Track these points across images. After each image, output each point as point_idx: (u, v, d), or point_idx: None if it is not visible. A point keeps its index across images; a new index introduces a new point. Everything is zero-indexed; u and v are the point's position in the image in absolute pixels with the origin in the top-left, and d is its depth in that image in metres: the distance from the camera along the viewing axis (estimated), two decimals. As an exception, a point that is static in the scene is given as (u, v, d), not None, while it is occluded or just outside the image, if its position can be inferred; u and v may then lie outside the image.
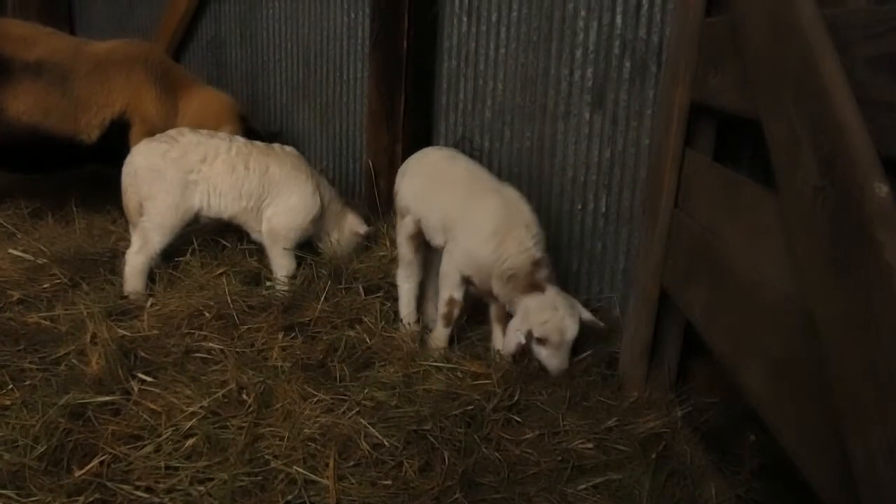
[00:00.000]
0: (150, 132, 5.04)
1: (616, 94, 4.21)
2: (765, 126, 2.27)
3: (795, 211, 2.03)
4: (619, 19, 4.14)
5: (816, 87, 1.92)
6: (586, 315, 3.59)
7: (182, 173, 4.37)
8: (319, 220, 4.71)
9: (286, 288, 4.36)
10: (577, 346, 3.63)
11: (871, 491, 1.57)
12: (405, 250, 4.10)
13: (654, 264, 3.38)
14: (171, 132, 4.60)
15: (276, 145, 4.73)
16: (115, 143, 5.37)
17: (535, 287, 3.54)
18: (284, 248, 4.49)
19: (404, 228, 4.07)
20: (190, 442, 2.96)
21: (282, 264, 4.51)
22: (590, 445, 3.11)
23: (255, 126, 5.69)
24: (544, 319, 3.47)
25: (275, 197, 4.52)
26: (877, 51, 1.89)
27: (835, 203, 1.79)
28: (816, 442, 1.92)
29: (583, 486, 2.89)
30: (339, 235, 4.84)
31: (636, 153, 4.16)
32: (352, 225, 4.85)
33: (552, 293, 3.54)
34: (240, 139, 4.64)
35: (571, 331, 3.51)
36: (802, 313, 1.98)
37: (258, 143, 4.71)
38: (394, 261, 4.26)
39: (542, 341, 3.50)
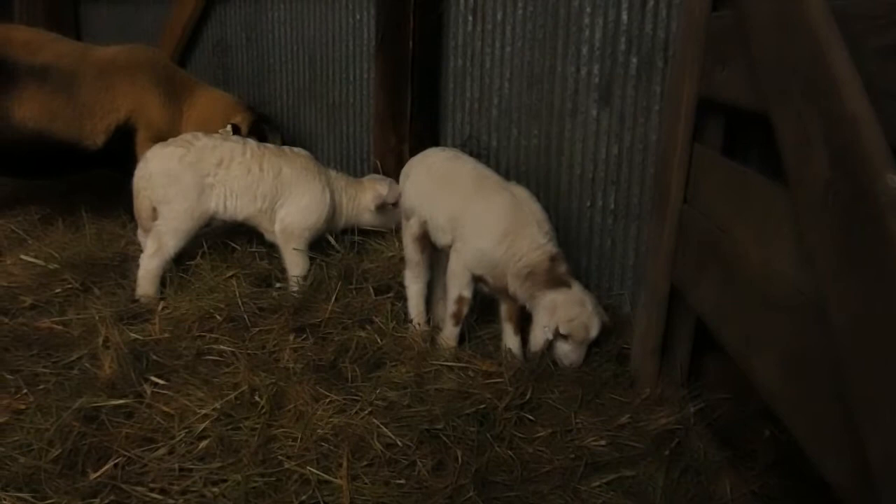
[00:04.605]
0: (155, 137, 5.08)
1: (623, 90, 4.20)
2: (773, 120, 2.27)
3: (806, 204, 2.02)
4: (624, 15, 4.13)
5: (826, 80, 1.91)
6: (601, 313, 3.64)
7: (199, 177, 4.40)
8: (333, 219, 4.75)
9: (297, 288, 4.38)
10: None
11: (889, 486, 1.57)
12: (411, 252, 4.10)
13: (663, 261, 3.38)
14: (186, 136, 4.63)
15: (287, 147, 4.78)
16: (122, 148, 5.39)
17: (559, 282, 3.55)
18: (296, 248, 4.52)
19: (409, 230, 4.07)
20: (203, 444, 2.97)
21: (295, 262, 4.53)
22: (603, 443, 3.11)
23: (265, 115, 5.81)
24: (572, 316, 3.50)
25: (287, 198, 4.55)
26: (886, 41, 1.89)
27: (846, 196, 1.79)
28: (832, 437, 1.91)
29: (596, 484, 2.89)
30: (370, 213, 4.90)
31: (644, 149, 4.16)
32: (374, 192, 4.87)
33: (578, 289, 3.58)
34: (252, 142, 4.68)
35: (595, 329, 3.56)
36: (815, 307, 1.97)
37: (269, 145, 4.76)
38: (403, 260, 4.26)
39: (565, 337, 3.53)
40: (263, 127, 5.64)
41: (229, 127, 5.36)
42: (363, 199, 4.86)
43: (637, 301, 3.82)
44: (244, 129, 5.48)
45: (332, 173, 4.86)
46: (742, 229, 2.64)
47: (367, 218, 4.92)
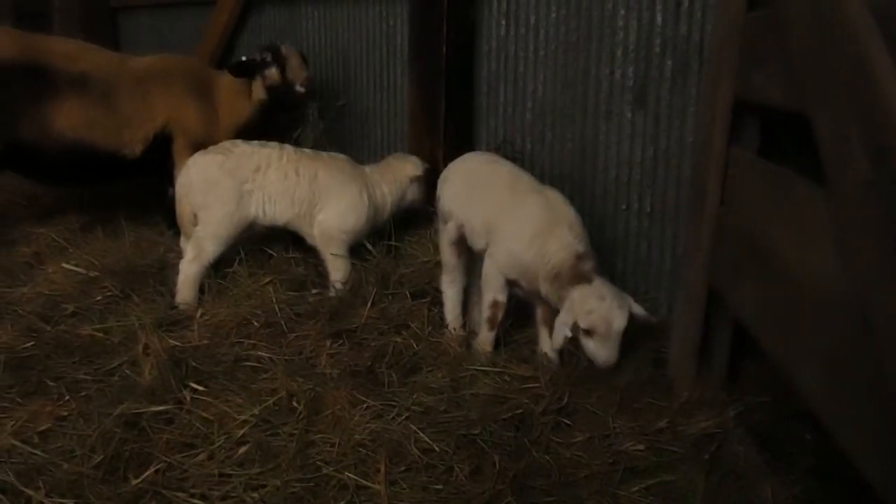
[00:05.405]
0: (193, 145, 5.15)
1: (658, 92, 4.18)
2: (813, 121, 2.24)
3: (847, 206, 2.00)
4: (659, 17, 4.11)
5: (866, 80, 1.89)
6: (637, 308, 3.45)
7: (237, 183, 4.45)
8: (377, 216, 4.77)
9: (338, 289, 4.41)
10: (625, 344, 3.52)
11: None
12: (448, 256, 4.10)
13: (701, 263, 3.35)
14: (226, 143, 4.70)
15: (325, 153, 4.82)
16: (160, 156, 5.47)
17: (581, 278, 3.47)
18: (334, 254, 4.54)
19: (446, 234, 4.08)
20: (242, 449, 3.00)
21: (336, 267, 4.55)
22: (641, 447, 3.09)
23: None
24: (590, 309, 3.35)
25: (326, 202, 4.58)
26: (927, 40, 1.86)
27: (888, 197, 1.76)
28: (875, 441, 1.88)
29: (635, 489, 2.87)
30: (416, 186, 4.94)
31: (679, 151, 4.13)
32: (413, 162, 4.95)
33: (599, 283, 3.45)
34: (289, 147, 4.73)
35: (619, 321, 3.35)
36: (856, 310, 1.94)
37: (306, 150, 4.81)
38: (439, 265, 4.26)
39: (588, 332, 3.36)
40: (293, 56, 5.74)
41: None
42: (403, 173, 4.89)
43: (674, 304, 3.79)
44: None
45: (367, 170, 4.87)
46: (781, 231, 2.61)
47: (413, 192, 4.93)
